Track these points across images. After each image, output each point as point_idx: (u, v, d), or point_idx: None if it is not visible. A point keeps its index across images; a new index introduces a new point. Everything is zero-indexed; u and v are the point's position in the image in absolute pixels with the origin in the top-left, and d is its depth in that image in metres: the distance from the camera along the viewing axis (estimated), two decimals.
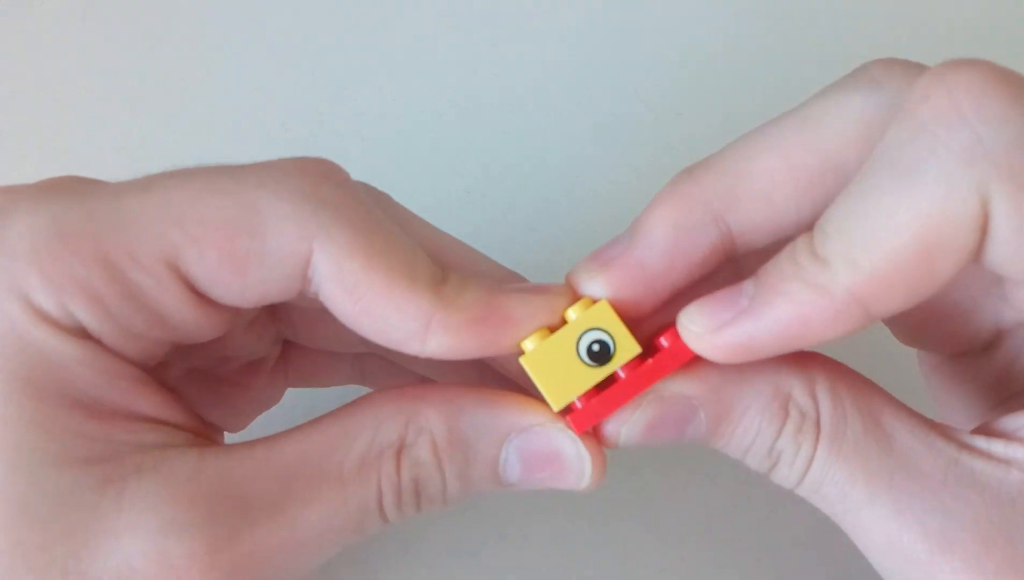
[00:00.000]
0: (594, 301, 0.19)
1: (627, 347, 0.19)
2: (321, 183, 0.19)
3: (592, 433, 0.20)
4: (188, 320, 0.19)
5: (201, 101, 0.35)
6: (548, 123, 0.34)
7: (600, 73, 0.35)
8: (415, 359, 0.25)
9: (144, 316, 0.19)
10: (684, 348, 0.19)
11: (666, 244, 0.19)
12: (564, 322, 0.19)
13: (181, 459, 0.18)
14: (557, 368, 0.19)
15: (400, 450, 0.19)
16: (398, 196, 0.23)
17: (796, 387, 0.19)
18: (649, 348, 0.20)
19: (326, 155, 0.22)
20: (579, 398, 0.19)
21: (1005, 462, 0.19)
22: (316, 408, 0.21)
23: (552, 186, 0.33)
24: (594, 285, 0.19)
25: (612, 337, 0.19)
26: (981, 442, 0.19)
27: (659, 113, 0.34)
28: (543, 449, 0.20)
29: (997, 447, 0.19)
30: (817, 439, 0.19)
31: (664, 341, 0.19)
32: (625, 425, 0.20)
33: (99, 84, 0.35)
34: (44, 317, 0.18)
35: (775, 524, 0.29)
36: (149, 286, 0.18)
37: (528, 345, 0.19)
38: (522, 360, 0.19)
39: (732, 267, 0.21)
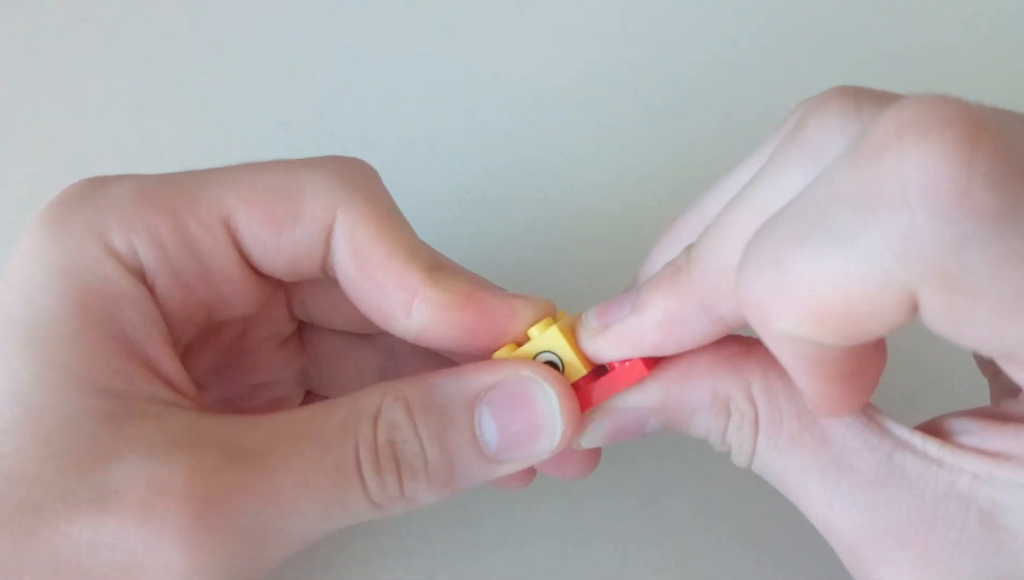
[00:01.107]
0: (555, 319, 0.22)
1: (575, 368, 0.21)
2: (353, 169, 0.22)
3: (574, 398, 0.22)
4: (233, 280, 0.22)
5: (201, 101, 0.35)
6: (548, 123, 0.34)
7: (600, 73, 0.35)
8: None
9: (195, 266, 0.21)
10: (631, 372, 0.21)
11: (660, 329, 0.21)
12: (528, 338, 0.22)
13: (179, 417, 0.20)
14: None
15: (377, 415, 0.20)
16: (398, 196, 0.23)
17: (734, 390, 0.21)
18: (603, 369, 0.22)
19: (325, 154, 0.23)
20: None
21: (936, 463, 0.19)
22: None
23: (552, 186, 0.33)
24: (593, 344, 0.21)
25: (560, 359, 0.21)
26: (918, 441, 0.20)
27: (659, 113, 0.34)
28: (512, 395, 0.21)
29: (931, 447, 0.19)
30: (756, 435, 0.21)
31: (616, 364, 0.22)
32: (584, 435, 0.22)
33: (99, 84, 0.35)
34: (113, 253, 0.20)
35: (775, 523, 0.29)
36: (204, 237, 0.21)
37: (497, 357, 0.22)
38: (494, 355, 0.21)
39: None
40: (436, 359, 0.26)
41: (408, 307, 0.21)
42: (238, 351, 0.25)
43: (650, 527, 0.29)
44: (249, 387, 0.25)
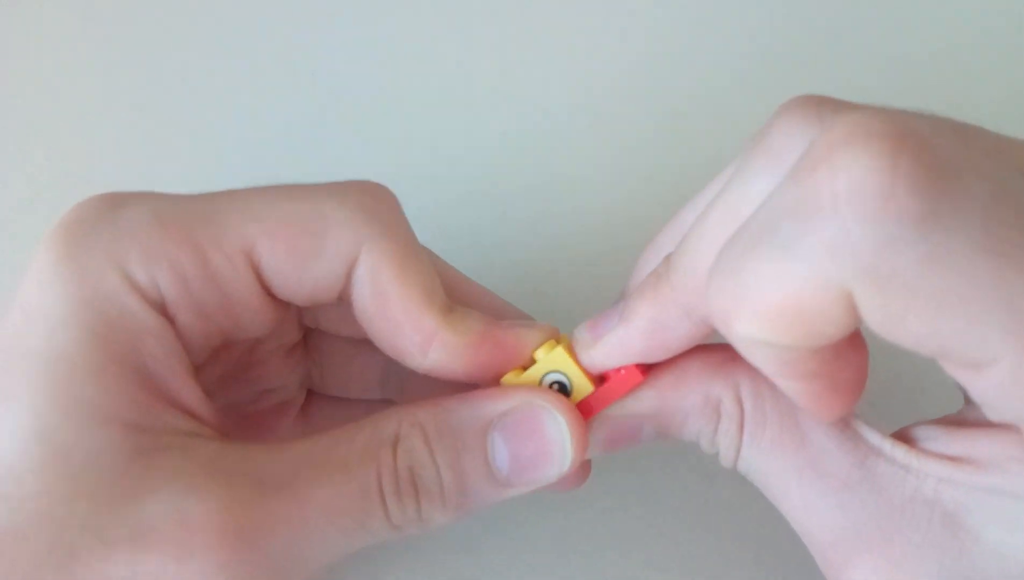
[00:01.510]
0: (557, 342, 0.22)
1: (581, 386, 0.22)
2: (377, 200, 0.22)
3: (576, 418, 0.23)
4: (253, 308, 0.22)
5: (201, 102, 0.35)
6: (548, 123, 0.34)
7: (599, 73, 0.35)
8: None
9: (217, 298, 0.21)
10: (626, 380, 0.22)
11: (646, 334, 0.21)
12: (534, 361, 0.22)
13: (204, 447, 0.20)
14: None
15: (396, 442, 0.21)
16: (399, 196, 0.23)
17: (724, 393, 0.22)
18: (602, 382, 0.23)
19: (325, 156, 0.23)
20: None
21: (904, 468, 0.20)
22: None
23: (552, 186, 0.33)
24: (587, 355, 0.22)
25: (569, 378, 0.22)
26: (888, 447, 0.21)
27: (659, 113, 0.34)
28: (524, 422, 0.22)
29: (899, 453, 0.20)
30: (740, 436, 0.22)
31: (610, 373, 0.22)
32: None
33: (99, 85, 0.35)
34: (134, 286, 0.20)
35: (775, 523, 0.29)
36: (227, 270, 0.21)
37: (507, 380, 0.22)
38: (502, 380, 0.22)
39: None
40: None
41: (425, 349, 0.22)
42: (246, 363, 0.25)
43: (650, 527, 0.29)
44: (255, 393, 0.26)
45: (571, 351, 0.22)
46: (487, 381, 0.23)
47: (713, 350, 0.22)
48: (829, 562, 0.21)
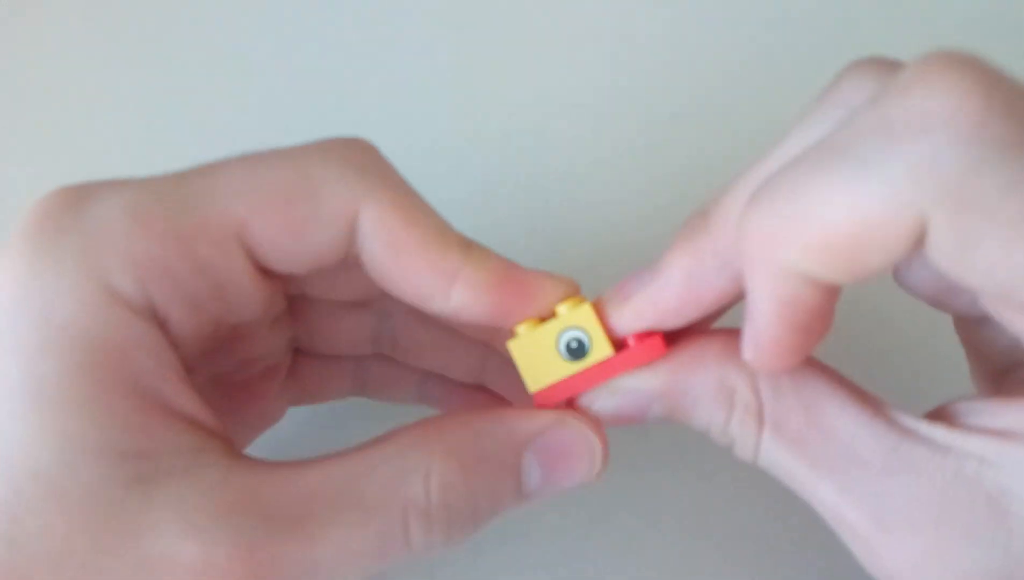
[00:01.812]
0: (582, 301, 0.21)
1: (601, 348, 0.21)
2: (363, 155, 0.21)
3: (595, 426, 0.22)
4: (247, 291, 0.21)
5: (201, 102, 0.35)
6: (548, 123, 0.34)
7: (600, 73, 0.35)
8: (418, 357, 0.26)
9: (209, 288, 0.20)
10: (649, 350, 0.21)
11: (680, 288, 0.21)
12: (554, 315, 0.21)
13: (210, 468, 0.19)
14: (537, 356, 0.21)
15: (428, 473, 0.20)
16: None
17: (739, 381, 0.21)
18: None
19: None
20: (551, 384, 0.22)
21: (944, 449, 0.19)
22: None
23: (552, 186, 0.33)
24: (616, 314, 0.21)
25: (590, 338, 0.21)
26: (924, 428, 0.20)
27: (659, 113, 0.34)
28: (558, 445, 0.21)
29: (937, 433, 0.19)
30: (760, 428, 0.21)
31: (631, 341, 0.21)
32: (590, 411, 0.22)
33: (98, 84, 0.35)
34: (117, 298, 0.18)
35: (774, 524, 0.29)
36: (217, 259, 0.19)
37: (519, 330, 0.21)
38: (509, 343, 0.21)
39: None
40: (435, 323, 0.26)
41: (447, 290, 0.21)
42: (231, 338, 0.24)
43: (649, 527, 0.29)
44: (240, 361, 0.24)
45: (598, 312, 0.22)
46: (508, 326, 0.22)
47: (731, 335, 0.21)
48: (871, 552, 0.20)
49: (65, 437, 0.18)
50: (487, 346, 0.26)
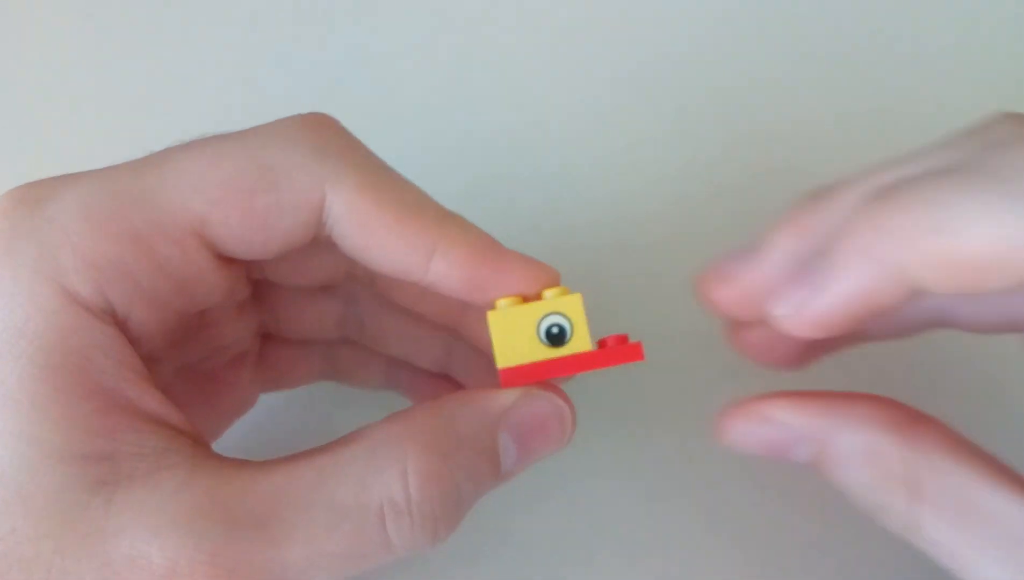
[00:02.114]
0: (568, 291, 0.21)
1: (582, 340, 0.21)
2: (324, 133, 0.21)
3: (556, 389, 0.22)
4: (209, 283, 0.20)
5: (197, 99, 0.35)
6: (548, 122, 0.34)
7: (601, 71, 0.35)
8: (385, 343, 0.26)
9: (170, 285, 0.20)
10: (627, 352, 0.21)
11: (783, 269, 0.20)
12: (539, 298, 0.21)
13: (173, 470, 0.19)
14: (514, 333, 0.21)
15: (405, 468, 0.19)
16: None
17: (892, 451, 0.20)
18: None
19: None
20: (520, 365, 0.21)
21: None
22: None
23: (552, 186, 0.33)
24: (715, 294, 0.22)
25: (572, 327, 0.21)
26: None
27: (660, 111, 0.34)
28: (531, 419, 0.21)
29: None
30: (913, 503, 0.20)
31: (610, 342, 0.21)
32: (731, 433, 0.22)
33: (95, 82, 0.35)
34: (74, 299, 0.18)
35: (780, 529, 0.28)
36: (177, 256, 0.19)
37: (500, 304, 0.21)
38: (488, 314, 0.21)
39: None
40: (400, 310, 0.25)
41: (426, 264, 0.21)
42: (196, 327, 0.24)
43: (653, 532, 0.29)
44: (208, 350, 0.24)
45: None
46: (489, 295, 0.21)
47: (885, 403, 0.21)
48: None
49: (26, 441, 0.18)
50: (453, 334, 0.26)
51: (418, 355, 0.27)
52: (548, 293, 0.21)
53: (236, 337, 0.25)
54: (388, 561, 0.20)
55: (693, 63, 0.35)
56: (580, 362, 0.21)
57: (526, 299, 0.21)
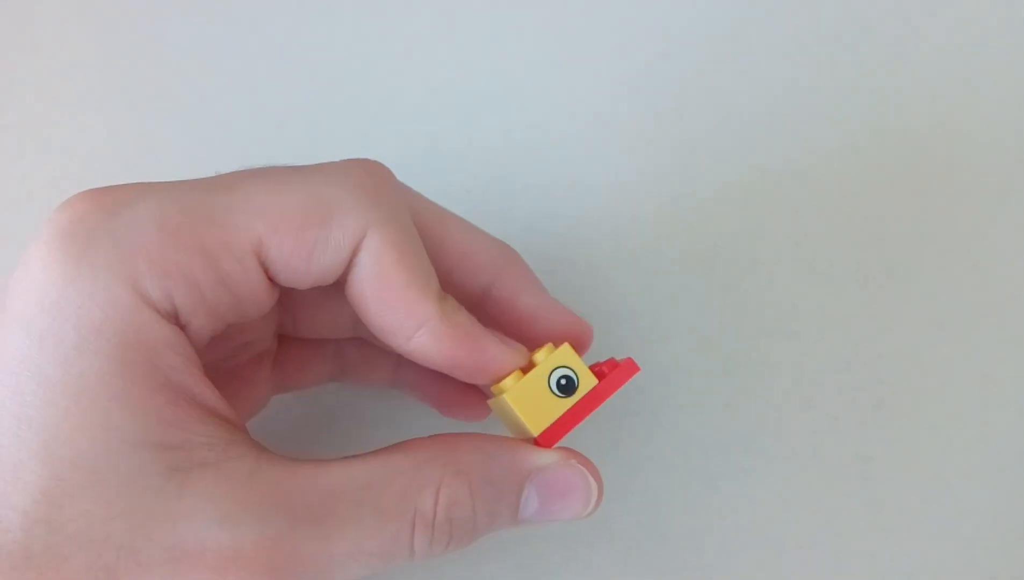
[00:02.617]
0: (555, 346, 0.23)
1: (587, 380, 0.23)
2: (378, 182, 0.23)
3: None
4: (260, 301, 0.22)
5: (198, 100, 0.35)
6: (548, 122, 0.34)
7: (601, 72, 0.35)
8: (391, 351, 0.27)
9: (228, 298, 0.21)
10: (625, 370, 0.23)
11: None
12: (533, 364, 0.23)
13: (240, 461, 0.20)
14: (534, 400, 0.23)
15: (439, 488, 0.21)
16: None
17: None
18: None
19: (324, 155, 0.24)
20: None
21: None
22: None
23: (552, 186, 0.33)
24: None
25: (575, 373, 0.23)
26: None
27: (659, 113, 0.34)
28: (559, 482, 0.23)
29: None
30: None
31: (605, 370, 0.23)
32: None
33: (96, 83, 0.35)
34: (147, 301, 0.20)
35: (778, 527, 0.28)
36: (238, 272, 0.21)
37: (508, 383, 0.23)
38: (506, 397, 0.23)
39: None
40: None
41: (413, 333, 0.22)
42: (235, 334, 0.25)
43: (651, 531, 0.29)
44: (233, 349, 0.26)
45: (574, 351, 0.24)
46: (466, 372, 0.23)
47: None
48: None
49: (105, 429, 0.19)
50: None
51: (416, 375, 0.28)
52: (539, 355, 0.23)
53: (258, 336, 0.26)
54: (406, 564, 0.21)
55: (691, 64, 0.35)
56: (595, 397, 0.23)
57: (524, 370, 0.23)
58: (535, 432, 0.23)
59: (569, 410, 0.23)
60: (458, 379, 0.23)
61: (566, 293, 0.30)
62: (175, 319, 0.20)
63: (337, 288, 0.26)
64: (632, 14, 0.36)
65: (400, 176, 0.24)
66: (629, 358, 0.23)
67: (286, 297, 0.26)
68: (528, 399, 0.23)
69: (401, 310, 0.22)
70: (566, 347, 0.23)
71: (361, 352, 0.28)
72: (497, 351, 0.23)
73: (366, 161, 0.23)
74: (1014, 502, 0.29)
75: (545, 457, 0.23)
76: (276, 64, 0.35)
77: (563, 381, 0.23)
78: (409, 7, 0.36)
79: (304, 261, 0.21)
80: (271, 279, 0.22)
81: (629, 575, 0.28)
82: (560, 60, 0.35)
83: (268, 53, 0.35)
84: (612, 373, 0.23)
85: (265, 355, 0.27)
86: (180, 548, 0.19)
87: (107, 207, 0.20)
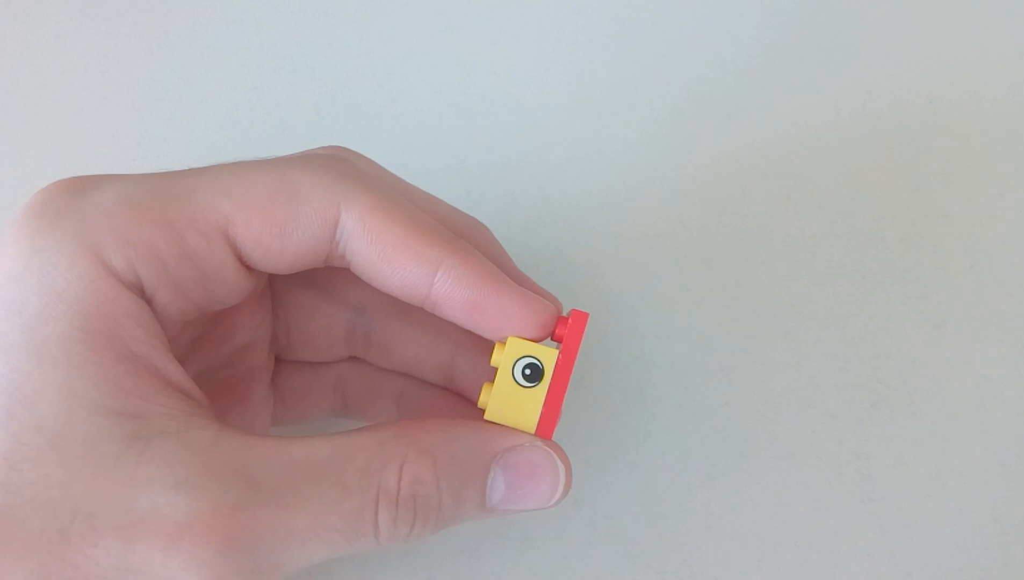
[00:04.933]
0: (502, 344, 0.22)
1: (549, 355, 0.22)
2: (343, 162, 0.23)
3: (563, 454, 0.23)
4: (229, 281, 0.22)
5: (199, 100, 0.35)
6: (548, 123, 0.34)
7: (600, 72, 0.35)
8: (391, 353, 0.27)
9: (194, 275, 0.21)
10: (577, 322, 0.22)
11: None
12: (495, 370, 0.23)
13: (201, 431, 0.20)
14: (512, 403, 0.22)
15: (403, 465, 0.21)
16: None
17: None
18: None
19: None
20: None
21: None
22: None
23: (552, 186, 0.33)
24: None
25: (535, 357, 0.22)
26: None
27: (659, 113, 0.34)
28: (525, 462, 0.22)
29: None
30: None
31: (560, 330, 0.23)
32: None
33: (96, 82, 0.35)
34: (110, 271, 0.20)
35: (776, 524, 0.29)
36: (203, 248, 0.21)
37: (483, 399, 0.23)
38: (487, 417, 0.22)
39: None
40: (412, 318, 0.27)
41: (431, 278, 0.22)
42: (215, 319, 0.25)
43: (650, 528, 0.29)
44: (227, 356, 0.26)
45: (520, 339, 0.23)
46: (490, 318, 0.22)
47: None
48: None
49: (66, 394, 0.19)
50: (458, 340, 0.27)
51: (425, 362, 0.27)
52: (494, 359, 0.22)
53: (251, 338, 0.26)
54: (374, 547, 0.21)
55: (690, 66, 0.36)
56: (564, 366, 0.22)
57: (489, 383, 0.23)
58: (532, 431, 0.22)
59: (550, 393, 0.22)
60: (485, 337, 0.23)
61: (566, 293, 0.30)
62: (140, 291, 0.20)
63: (328, 295, 0.26)
64: (633, 15, 0.36)
65: (400, 176, 0.24)
66: (574, 310, 0.23)
67: (279, 302, 0.26)
68: (506, 406, 0.22)
69: (411, 261, 0.22)
70: (512, 341, 0.22)
71: (361, 378, 0.28)
72: (519, 298, 0.22)
73: (332, 147, 0.24)
74: (1012, 501, 0.29)
75: (513, 439, 0.22)
76: (276, 64, 0.35)
77: (528, 370, 0.22)
78: (410, 7, 0.36)
79: (276, 239, 0.21)
80: (245, 264, 0.22)
81: (628, 574, 0.28)
82: (561, 60, 0.35)
83: (268, 53, 0.35)
84: (567, 333, 0.22)
85: (261, 371, 0.27)
86: (135, 513, 0.19)
87: (77, 189, 0.21)
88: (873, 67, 0.34)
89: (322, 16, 0.36)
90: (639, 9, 0.36)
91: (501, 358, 0.22)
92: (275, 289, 0.27)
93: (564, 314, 0.23)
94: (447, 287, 0.22)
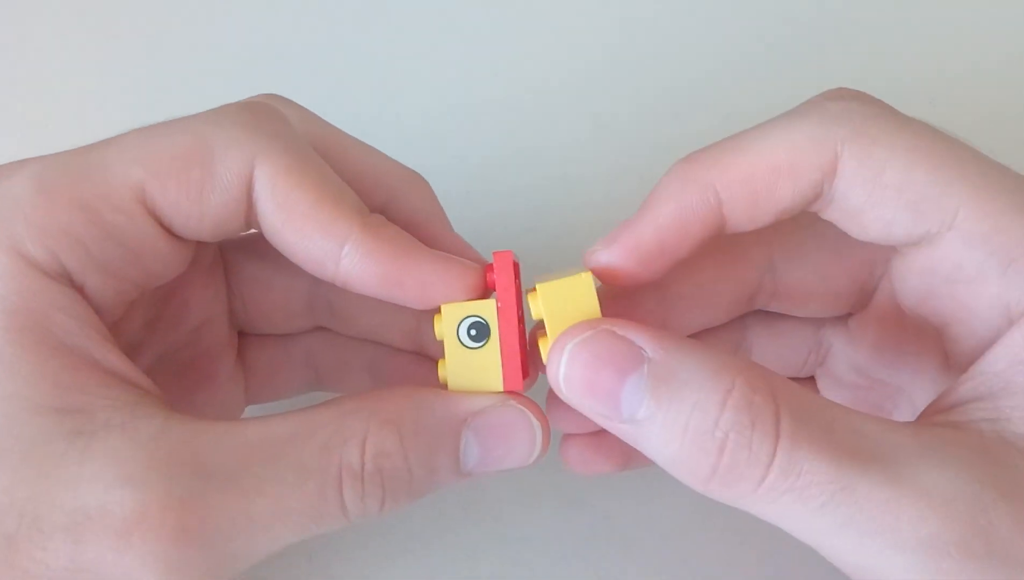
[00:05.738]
0: (439, 314, 0.22)
1: (488, 308, 0.21)
2: (261, 116, 0.21)
3: (537, 410, 0.22)
4: (160, 254, 0.21)
5: (198, 99, 0.35)
6: (548, 123, 0.34)
7: (600, 73, 0.35)
8: (356, 321, 0.26)
9: (121, 253, 0.20)
10: (501, 261, 0.21)
11: (668, 215, 0.21)
12: (442, 341, 0.22)
13: (147, 421, 0.19)
14: (469, 368, 0.21)
15: (364, 440, 0.20)
16: None
17: (741, 381, 0.19)
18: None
19: None
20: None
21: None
22: None
23: (552, 186, 0.33)
24: (601, 256, 0.22)
25: (475, 314, 0.21)
26: (941, 418, 0.20)
27: (659, 113, 0.34)
28: (498, 424, 0.21)
29: (957, 415, 0.20)
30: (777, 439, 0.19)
31: (488, 278, 0.22)
32: (564, 357, 0.20)
33: (96, 81, 0.35)
34: (32, 263, 0.19)
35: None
36: (123, 223, 0.20)
37: (441, 375, 0.22)
38: (449, 387, 0.21)
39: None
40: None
41: (338, 252, 0.21)
42: (166, 297, 0.24)
43: (650, 527, 0.29)
44: (185, 335, 0.25)
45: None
46: (406, 296, 0.21)
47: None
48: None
49: (2, 397, 0.19)
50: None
51: (390, 329, 0.27)
52: (436, 330, 0.22)
53: (207, 313, 0.25)
54: (344, 525, 0.20)
55: (690, 68, 0.36)
56: (511, 310, 0.21)
57: (440, 355, 0.22)
58: (500, 389, 0.22)
59: (503, 344, 0.21)
60: (416, 309, 0.22)
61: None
62: (67, 280, 0.20)
63: (283, 264, 0.25)
64: (632, 16, 0.36)
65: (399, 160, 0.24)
66: (495, 252, 0.22)
67: (233, 273, 0.26)
68: (465, 373, 0.21)
69: (317, 232, 0.21)
70: (445, 307, 0.21)
71: (329, 348, 0.27)
72: (436, 265, 0.21)
73: (249, 100, 0.23)
74: None
75: (481, 401, 0.21)
76: (277, 64, 0.35)
77: (473, 330, 0.21)
78: (410, 8, 0.36)
79: (195, 204, 0.20)
80: (170, 231, 0.21)
81: (629, 573, 0.28)
82: (560, 61, 0.35)
83: (269, 53, 0.35)
84: (497, 278, 0.22)
85: (224, 347, 0.26)
86: (82, 512, 0.18)
87: None
88: (873, 67, 0.35)
89: (322, 16, 0.36)
90: (639, 10, 0.36)
91: (442, 328, 0.21)
92: (227, 260, 0.26)
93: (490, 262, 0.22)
94: (355, 264, 0.21)
